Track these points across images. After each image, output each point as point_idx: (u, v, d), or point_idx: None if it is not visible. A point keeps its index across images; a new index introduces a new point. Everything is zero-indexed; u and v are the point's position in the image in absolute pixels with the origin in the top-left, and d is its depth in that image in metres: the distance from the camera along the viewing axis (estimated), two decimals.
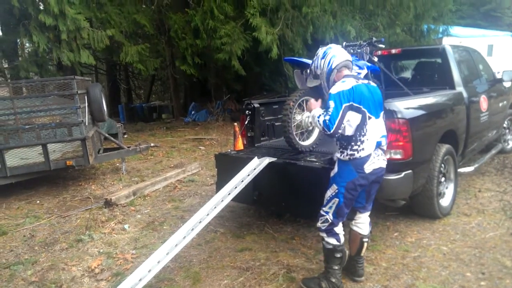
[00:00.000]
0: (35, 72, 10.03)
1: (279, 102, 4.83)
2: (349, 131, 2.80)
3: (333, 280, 2.93)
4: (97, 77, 20.43)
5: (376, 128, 2.84)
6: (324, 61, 2.94)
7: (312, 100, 3.03)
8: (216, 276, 3.31)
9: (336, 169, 2.92)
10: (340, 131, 2.73)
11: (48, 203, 5.62)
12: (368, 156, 2.80)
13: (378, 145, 2.86)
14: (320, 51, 3.02)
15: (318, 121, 2.75)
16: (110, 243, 4.09)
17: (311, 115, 2.91)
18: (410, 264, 3.31)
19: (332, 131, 2.68)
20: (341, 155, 2.86)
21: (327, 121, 2.67)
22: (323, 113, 2.75)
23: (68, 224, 4.74)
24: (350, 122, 2.77)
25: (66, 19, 8.74)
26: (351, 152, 2.80)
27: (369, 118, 2.79)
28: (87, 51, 9.86)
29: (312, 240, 3.86)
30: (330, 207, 2.87)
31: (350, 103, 2.72)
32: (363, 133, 2.79)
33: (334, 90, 2.76)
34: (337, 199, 2.84)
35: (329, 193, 2.90)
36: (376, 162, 2.84)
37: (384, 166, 2.94)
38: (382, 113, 2.92)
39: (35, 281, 3.41)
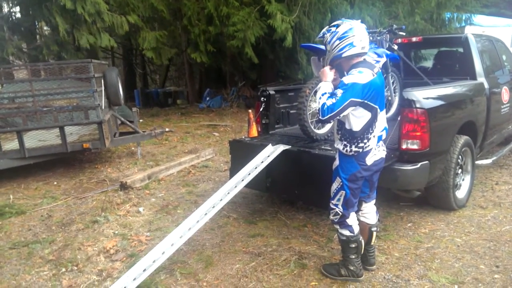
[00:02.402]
0: (57, 51, 10.15)
1: (294, 89, 4.80)
2: (356, 127, 2.68)
3: (352, 268, 2.94)
4: (113, 61, 20.54)
5: (381, 122, 2.76)
6: (339, 43, 2.62)
7: (327, 68, 2.75)
8: (228, 260, 3.35)
9: (337, 161, 2.87)
10: (332, 121, 2.63)
11: (65, 184, 5.74)
12: (371, 149, 2.74)
13: (379, 139, 2.78)
14: (342, 27, 2.63)
15: (320, 99, 2.58)
16: (125, 225, 4.17)
17: (319, 87, 2.70)
18: (423, 255, 3.29)
19: (324, 118, 2.55)
20: (343, 149, 2.77)
21: (325, 106, 2.51)
22: (328, 95, 2.57)
23: (84, 205, 4.83)
24: (359, 118, 2.65)
25: (86, 2, 8.78)
26: (356, 149, 2.72)
27: (379, 113, 2.70)
28: (107, 34, 9.91)
29: (324, 228, 3.86)
30: (338, 200, 2.84)
31: (362, 100, 2.55)
32: (371, 131, 2.70)
33: (348, 79, 2.56)
34: (344, 191, 2.80)
35: (334, 186, 2.87)
36: (377, 153, 2.78)
37: (384, 156, 2.88)
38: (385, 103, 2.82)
39: (52, 259, 3.50)
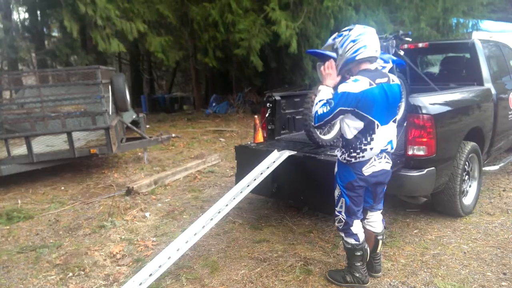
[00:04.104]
0: (68, 54, 10.37)
1: (300, 95, 4.81)
2: (348, 135, 2.66)
3: (357, 275, 2.93)
4: (120, 67, 20.74)
5: (383, 136, 2.65)
6: (353, 46, 2.60)
7: (329, 64, 2.73)
8: (233, 266, 3.35)
9: (336, 168, 2.86)
10: (324, 127, 2.75)
11: (72, 189, 5.78)
12: (368, 159, 2.69)
13: (383, 152, 2.72)
14: (355, 30, 2.63)
15: (316, 105, 2.64)
16: (132, 230, 4.19)
17: (319, 90, 2.73)
18: (429, 262, 3.27)
19: (316, 125, 2.67)
20: (340, 156, 2.77)
21: (317, 114, 2.59)
22: (324, 102, 2.60)
23: (91, 210, 4.87)
24: (350, 127, 2.63)
25: (97, 8, 8.93)
26: (349, 158, 2.69)
27: (378, 127, 2.60)
28: (116, 39, 10.05)
29: (330, 234, 3.85)
30: (341, 207, 2.83)
31: (352, 109, 2.52)
32: (365, 142, 2.63)
33: (342, 87, 2.54)
34: (344, 199, 2.79)
35: (336, 192, 2.86)
36: (376, 165, 2.71)
37: (388, 168, 2.80)
38: (395, 118, 2.74)
39: (60, 264, 3.53)
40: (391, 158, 2.85)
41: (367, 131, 2.62)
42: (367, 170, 2.70)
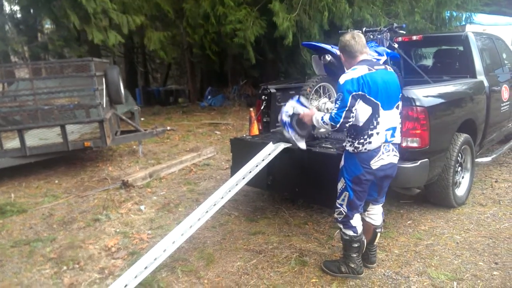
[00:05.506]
0: (61, 46, 10.28)
1: (295, 87, 4.81)
2: (358, 122, 2.68)
3: (352, 265, 2.95)
4: (114, 60, 20.54)
5: (386, 121, 2.69)
6: None
7: (302, 111, 3.11)
8: (229, 258, 3.37)
9: (343, 161, 2.87)
10: (347, 124, 2.63)
11: (66, 183, 5.76)
12: (375, 151, 2.69)
13: (389, 142, 2.73)
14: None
15: (324, 121, 2.71)
16: (127, 223, 4.19)
17: (314, 121, 2.86)
18: (422, 252, 3.31)
19: (338, 125, 2.62)
20: (349, 146, 2.77)
21: (333, 115, 2.61)
22: (326, 111, 2.71)
23: (86, 204, 4.85)
24: (360, 113, 2.64)
25: (96, 1, 8.85)
26: (357, 145, 2.70)
27: (381, 110, 2.65)
28: (113, 31, 9.95)
29: (325, 226, 3.88)
30: (343, 200, 2.84)
31: (360, 92, 2.57)
32: (372, 126, 2.66)
33: (342, 79, 2.62)
34: (347, 193, 2.80)
35: (339, 185, 2.88)
36: (385, 158, 2.73)
37: (395, 161, 2.83)
38: (397, 104, 2.75)
39: (54, 257, 3.52)
40: (398, 150, 2.86)
41: (374, 115, 2.65)
42: (375, 164, 2.72)
